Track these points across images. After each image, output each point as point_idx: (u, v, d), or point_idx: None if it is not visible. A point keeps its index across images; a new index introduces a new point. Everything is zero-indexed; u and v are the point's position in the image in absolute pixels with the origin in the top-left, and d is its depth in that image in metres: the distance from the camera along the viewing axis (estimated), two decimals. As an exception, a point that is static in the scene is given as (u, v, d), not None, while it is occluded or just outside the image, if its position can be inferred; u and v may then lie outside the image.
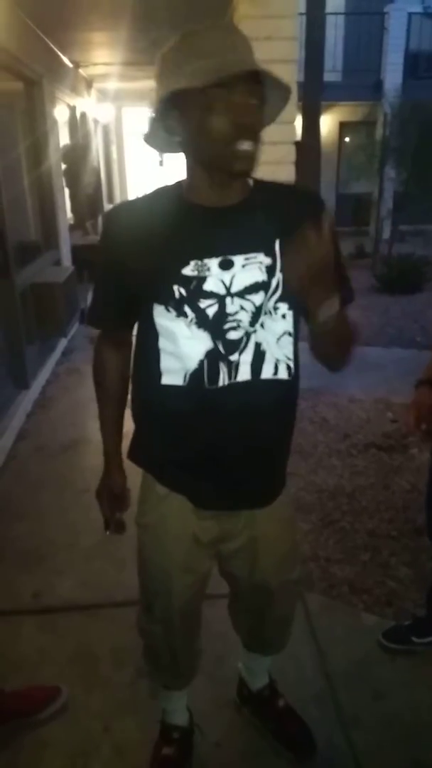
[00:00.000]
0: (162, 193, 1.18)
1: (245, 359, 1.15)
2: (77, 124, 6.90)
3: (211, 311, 1.12)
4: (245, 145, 1.03)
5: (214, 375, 1.14)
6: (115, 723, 1.76)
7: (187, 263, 1.10)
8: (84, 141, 7.24)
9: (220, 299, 1.11)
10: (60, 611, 2.18)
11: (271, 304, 1.14)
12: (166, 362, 1.17)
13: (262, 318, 1.14)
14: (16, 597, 2.25)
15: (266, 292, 1.13)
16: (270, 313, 1.15)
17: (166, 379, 1.17)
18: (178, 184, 1.18)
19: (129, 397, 1.41)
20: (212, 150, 1.05)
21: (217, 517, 1.32)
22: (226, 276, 1.11)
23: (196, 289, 1.11)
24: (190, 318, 1.12)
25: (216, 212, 1.12)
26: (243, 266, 1.11)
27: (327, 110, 10.99)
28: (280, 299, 1.15)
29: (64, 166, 5.92)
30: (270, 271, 1.13)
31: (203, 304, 1.11)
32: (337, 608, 2.18)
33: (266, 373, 1.17)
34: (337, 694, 1.83)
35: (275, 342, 1.17)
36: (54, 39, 5.15)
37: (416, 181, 8.89)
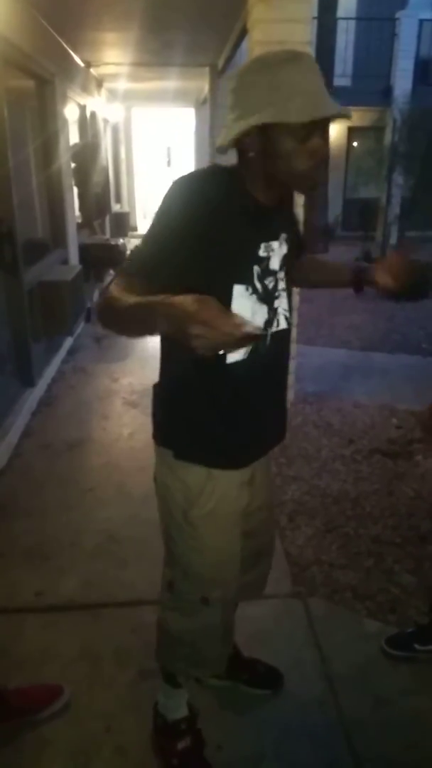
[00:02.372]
0: (220, 177, 1.23)
1: (277, 325, 1.35)
2: (87, 124, 6.91)
3: (270, 285, 1.31)
4: (317, 172, 1.23)
5: (264, 343, 1.32)
6: (117, 723, 1.76)
7: (259, 246, 1.27)
8: (94, 140, 7.25)
9: (275, 275, 1.31)
10: (63, 610, 2.19)
11: (284, 270, 1.35)
12: None
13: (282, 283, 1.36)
14: (20, 595, 2.25)
15: (286, 263, 1.35)
16: (283, 278, 1.36)
17: (232, 357, 1.27)
18: (229, 171, 1.25)
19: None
20: (291, 175, 1.21)
21: (251, 481, 1.48)
22: (279, 253, 1.31)
23: (265, 267, 1.29)
24: (260, 294, 1.28)
25: (268, 209, 1.28)
26: (279, 246, 1.32)
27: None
28: (284, 264, 1.35)
29: (73, 165, 5.93)
30: (290, 244, 1.36)
31: (267, 281, 1.30)
32: (340, 614, 2.18)
33: (282, 325, 1.37)
34: (339, 699, 1.83)
35: (286, 300, 1.38)
36: (66, 38, 5.17)
37: (424, 187, 8.88)
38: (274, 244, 1.29)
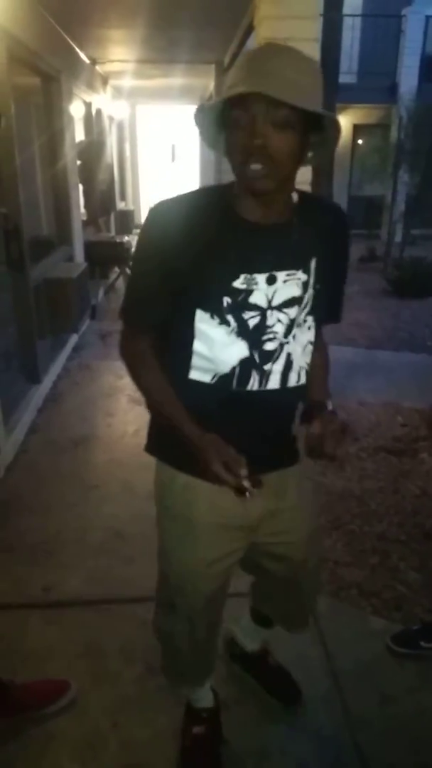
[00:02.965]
0: (207, 196, 1.20)
1: (277, 368, 1.22)
2: (93, 121, 6.91)
3: (252, 322, 1.17)
4: (253, 167, 1.04)
5: (245, 380, 1.21)
6: (123, 718, 1.76)
7: (238, 276, 1.14)
8: (99, 138, 7.26)
9: (262, 312, 1.17)
10: (69, 606, 2.19)
11: (302, 317, 1.22)
12: (197, 362, 1.21)
13: (294, 330, 1.21)
14: (26, 591, 2.26)
15: (300, 306, 1.20)
16: (300, 325, 1.22)
17: (194, 375, 1.22)
18: (221, 190, 1.18)
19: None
20: (232, 167, 1.09)
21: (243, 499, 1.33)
22: (270, 290, 1.16)
23: (242, 301, 1.16)
24: (231, 327, 1.17)
25: (263, 228, 1.15)
26: (284, 282, 1.17)
27: (341, 112, 10.95)
28: (309, 312, 1.23)
29: (79, 163, 5.94)
30: (305, 286, 1.20)
31: (246, 315, 1.17)
32: (346, 611, 2.18)
33: (292, 381, 1.25)
34: (344, 696, 1.83)
35: (301, 351, 1.25)
36: (72, 35, 5.17)
37: (430, 184, 8.86)
38: (259, 278, 1.14)
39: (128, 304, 1.25)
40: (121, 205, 9.85)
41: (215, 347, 1.18)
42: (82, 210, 6.19)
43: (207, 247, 1.13)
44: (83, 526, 2.64)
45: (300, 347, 1.23)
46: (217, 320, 1.16)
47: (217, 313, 1.16)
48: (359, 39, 11.42)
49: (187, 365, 1.21)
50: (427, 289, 7.27)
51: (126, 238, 6.91)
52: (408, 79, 11.14)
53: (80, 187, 6.00)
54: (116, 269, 6.84)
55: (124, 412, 3.84)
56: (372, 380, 4.41)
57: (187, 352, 1.20)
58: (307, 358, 1.26)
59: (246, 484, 1.08)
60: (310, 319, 1.23)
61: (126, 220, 9.29)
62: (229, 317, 1.16)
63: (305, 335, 1.24)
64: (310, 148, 1.10)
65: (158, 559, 1.45)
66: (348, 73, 10.77)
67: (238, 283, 1.14)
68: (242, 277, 1.14)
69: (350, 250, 1.32)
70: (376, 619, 2.14)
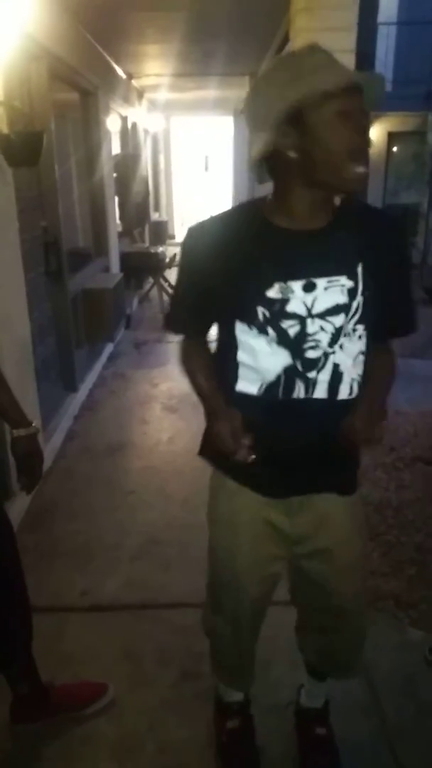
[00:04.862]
0: (242, 212, 1.23)
1: (323, 378, 1.20)
2: (128, 134, 7.04)
3: (292, 331, 1.16)
4: (362, 170, 1.07)
5: (290, 388, 1.20)
6: (160, 722, 1.78)
7: (272, 285, 1.14)
8: (134, 151, 7.38)
9: (302, 320, 1.15)
10: (107, 610, 2.23)
11: (350, 325, 1.18)
12: (243, 372, 1.23)
13: (342, 339, 1.18)
14: (66, 594, 2.30)
15: (347, 314, 1.17)
16: (349, 334, 1.18)
17: (241, 386, 1.23)
18: (256, 205, 1.21)
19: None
20: (336, 166, 1.07)
21: (289, 513, 1.33)
22: (309, 298, 1.14)
23: (279, 310, 1.15)
24: (271, 336, 1.17)
25: (302, 235, 1.15)
26: (325, 289, 1.14)
27: (376, 120, 10.91)
28: (359, 321, 1.18)
29: (114, 175, 6.05)
30: (351, 293, 1.16)
31: (285, 324, 1.16)
32: (383, 622, 2.16)
33: (343, 393, 1.22)
34: (382, 707, 1.82)
35: (352, 362, 1.21)
36: (110, 51, 5.29)
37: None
38: (295, 286, 1.13)
39: (169, 315, 1.37)
40: (155, 216, 9.98)
41: (258, 356, 1.19)
42: (118, 221, 6.30)
43: (240, 262, 1.16)
44: (120, 531, 2.67)
45: (350, 358, 1.20)
46: (255, 330, 1.17)
47: (255, 323, 1.16)
48: (394, 47, 11.37)
49: (234, 376, 1.23)
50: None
51: (160, 249, 7.01)
52: (444, 86, 11.02)
53: (116, 199, 6.11)
54: (150, 279, 6.93)
55: (159, 420, 3.89)
56: (409, 390, 4.35)
57: (233, 362, 1.23)
58: (359, 370, 1.22)
59: (244, 452, 1.17)
60: (360, 328, 1.19)
61: (160, 230, 9.41)
62: (268, 327, 1.16)
63: (355, 345, 1.20)
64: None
65: (208, 558, 1.48)
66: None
67: (273, 293, 1.14)
68: (276, 286, 1.14)
69: (410, 257, 1.28)
70: (414, 631, 2.12)
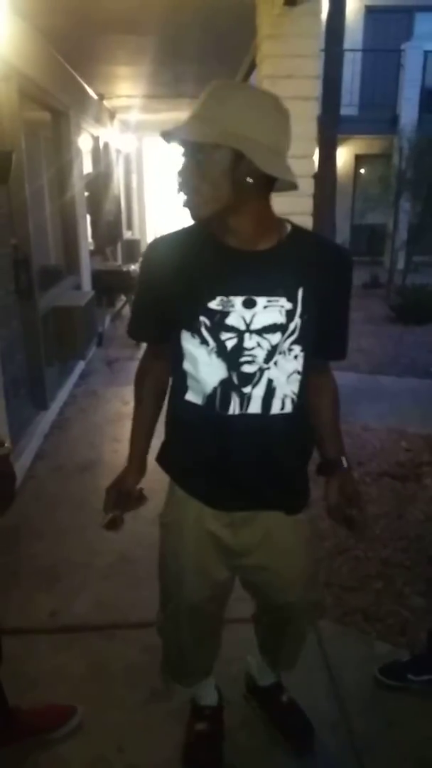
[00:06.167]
0: (197, 230, 1.29)
1: (257, 393, 1.26)
2: (100, 154, 7.09)
3: (230, 344, 1.23)
4: (182, 197, 1.20)
5: (226, 403, 1.27)
6: (129, 743, 1.77)
7: (214, 297, 1.21)
8: (107, 170, 7.43)
9: (240, 334, 1.22)
10: (76, 631, 2.21)
11: (286, 344, 1.24)
12: (189, 382, 1.30)
13: (277, 356, 1.24)
14: (33, 615, 2.28)
15: (283, 334, 1.23)
16: (284, 353, 1.25)
17: (189, 396, 1.32)
18: (207, 223, 1.26)
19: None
20: (214, 202, 1.20)
21: (233, 526, 1.40)
22: (248, 314, 1.21)
23: (219, 321, 1.22)
24: (211, 347, 1.24)
25: (247, 255, 1.22)
26: (264, 307, 1.21)
27: (343, 143, 11.20)
28: (296, 341, 1.25)
29: (87, 194, 6.08)
30: (289, 315, 1.22)
31: (224, 336, 1.23)
32: (351, 636, 2.19)
33: (275, 408, 1.28)
34: (350, 721, 1.83)
35: (285, 379, 1.27)
36: (81, 72, 5.34)
37: (431, 213, 9.00)
38: (236, 301, 1.19)
39: (130, 323, 1.44)
40: (127, 235, 10.02)
41: (199, 366, 1.26)
42: (90, 240, 6.32)
43: (189, 274, 1.24)
44: (90, 550, 2.65)
45: (284, 375, 1.26)
46: (197, 339, 1.24)
47: (197, 332, 1.23)
48: (360, 72, 11.71)
49: (183, 385, 1.31)
50: (430, 315, 7.34)
51: (132, 267, 7.03)
52: (408, 110, 11.38)
53: (88, 217, 6.14)
54: (123, 297, 6.94)
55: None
56: (375, 406, 4.44)
57: (180, 371, 1.30)
58: (294, 387, 1.28)
59: (105, 517, 1.49)
60: (297, 348, 1.25)
61: (132, 249, 9.43)
62: (208, 337, 1.23)
63: (290, 364, 1.26)
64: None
65: (158, 559, 1.56)
66: (349, 105, 11.01)
67: (214, 304, 1.21)
68: (218, 298, 1.20)
69: (351, 290, 1.33)
70: (381, 644, 2.14)
